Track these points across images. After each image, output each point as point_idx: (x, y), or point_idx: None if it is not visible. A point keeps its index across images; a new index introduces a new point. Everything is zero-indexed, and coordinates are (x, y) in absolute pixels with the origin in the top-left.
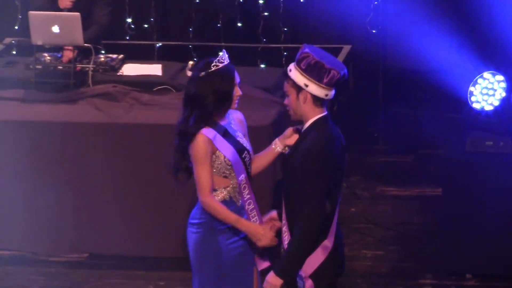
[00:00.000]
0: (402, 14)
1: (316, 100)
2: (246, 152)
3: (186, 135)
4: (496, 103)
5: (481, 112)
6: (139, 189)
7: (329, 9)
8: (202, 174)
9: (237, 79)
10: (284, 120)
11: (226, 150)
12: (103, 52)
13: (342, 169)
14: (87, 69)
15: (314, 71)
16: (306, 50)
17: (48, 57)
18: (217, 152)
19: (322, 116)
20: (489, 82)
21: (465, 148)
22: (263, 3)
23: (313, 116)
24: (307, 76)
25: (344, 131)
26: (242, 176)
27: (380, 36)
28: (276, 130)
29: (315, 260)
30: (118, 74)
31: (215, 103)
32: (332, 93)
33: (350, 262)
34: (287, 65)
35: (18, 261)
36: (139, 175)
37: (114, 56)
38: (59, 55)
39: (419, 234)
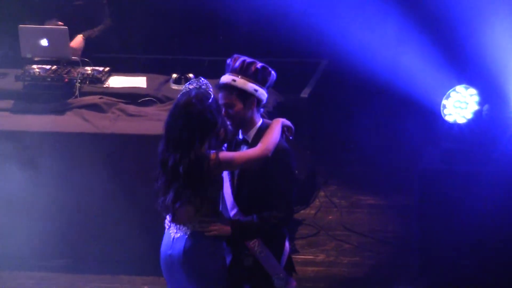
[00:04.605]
0: (377, 29)
1: (259, 105)
2: None
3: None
4: (469, 116)
5: (454, 124)
6: (125, 198)
7: (306, 23)
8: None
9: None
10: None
11: None
12: (90, 64)
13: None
14: (75, 81)
15: (259, 76)
16: (249, 59)
17: (37, 69)
18: None
19: (264, 122)
20: (462, 96)
21: (438, 159)
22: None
23: (258, 121)
24: (254, 82)
25: (322, 142)
26: None
27: (356, 50)
28: None
29: (286, 254)
30: (104, 86)
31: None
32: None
33: (327, 268)
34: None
35: (6, 265)
36: (124, 184)
37: (101, 68)
38: (47, 68)
39: (394, 241)
